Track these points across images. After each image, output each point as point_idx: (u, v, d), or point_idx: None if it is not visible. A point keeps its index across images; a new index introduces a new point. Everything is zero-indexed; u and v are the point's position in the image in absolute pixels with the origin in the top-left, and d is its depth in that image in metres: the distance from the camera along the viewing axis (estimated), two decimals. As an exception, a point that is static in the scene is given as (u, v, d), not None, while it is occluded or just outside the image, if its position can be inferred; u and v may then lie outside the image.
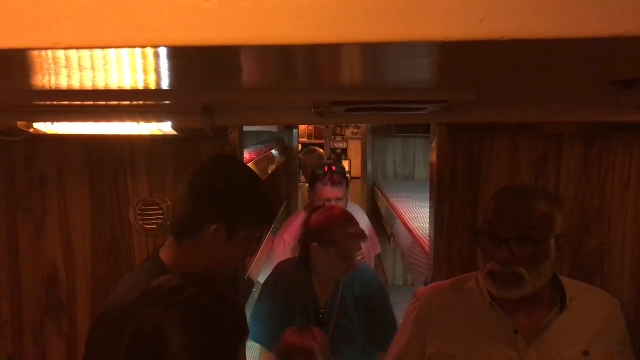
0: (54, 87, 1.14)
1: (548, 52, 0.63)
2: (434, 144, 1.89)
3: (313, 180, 2.74)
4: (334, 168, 2.75)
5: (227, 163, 1.40)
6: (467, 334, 1.43)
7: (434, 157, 1.89)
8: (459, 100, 1.32)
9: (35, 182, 1.91)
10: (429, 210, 2.00)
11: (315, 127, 7.44)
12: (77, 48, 0.49)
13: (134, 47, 0.49)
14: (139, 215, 1.88)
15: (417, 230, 2.36)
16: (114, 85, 1.10)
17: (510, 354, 1.37)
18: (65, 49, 0.48)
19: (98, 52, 0.55)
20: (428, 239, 2.05)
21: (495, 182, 1.89)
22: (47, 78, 0.95)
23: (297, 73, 0.79)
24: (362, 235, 2.13)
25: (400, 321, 1.66)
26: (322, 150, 3.82)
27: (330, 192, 2.65)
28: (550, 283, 1.40)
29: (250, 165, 2.52)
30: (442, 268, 1.90)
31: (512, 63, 0.81)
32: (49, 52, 0.52)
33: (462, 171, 1.89)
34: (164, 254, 1.37)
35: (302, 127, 7.15)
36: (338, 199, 2.66)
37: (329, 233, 2.09)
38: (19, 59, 0.58)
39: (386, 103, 1.32)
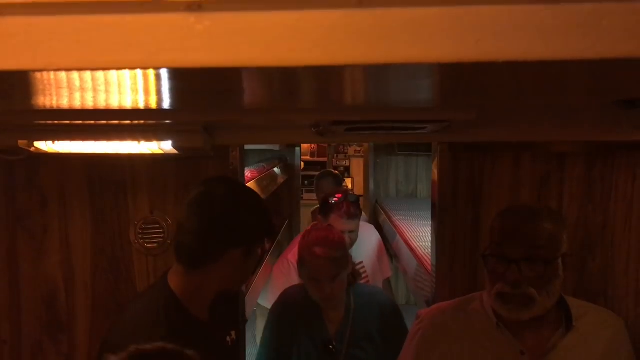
0: (55, 107, 1.15)
1: (545, 73, 0.63)
2: (435, 163, 1.89)
3: (327, 209, 2.65)
4: (348, 203, 2.65)
5: (229, 186, 1.41)
6: (473, 356, 1.41)
7: (435, 176, 1.88)
8: (459, 120, 1.31)
9: (35, 201, 1.90)
10: (430, 228, 1.99)
11: (317, 145, 7.46)
12: (68, 70, 0.49)
13: (125, 69, 0.49)
14: (140, 234, 1.87)
15: (419, 249, 2.35)
16: (114, 105, 1.10)
17: None
18: (56, 70, 0.49)
19: (95, 74, 0.55)
20: (430, 257, 2.04)
21: (496, 201, 1.88)
22: (47, 98, 0.95)
23: (295, 94, 0.79)
24: (332, 259, 1.97)
25: None
26: (337, 173, 3.72)
27: (345, 225, 2.57)
28: (555, 303, 1.38)
29: (251, 183, 2.53)
30: (445, 287, 1.88)
31: (510, 84, 0.81)
32: (44, 74, 0.52)
33: (464, 190, 1.88)
34: (173, 281, 1.36)
35: (305, 145, 7.17)
36: (351, 232, 2.59)
37: (300, 251, 2.04)
38: (12, 81, 0.58)
39: (386, 122, 1.32)
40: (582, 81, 0.80)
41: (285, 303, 2.14)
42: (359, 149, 7.25)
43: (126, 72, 0.55)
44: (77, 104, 1.05)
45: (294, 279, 2.50)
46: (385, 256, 3.09)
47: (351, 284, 2.10)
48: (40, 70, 0.50)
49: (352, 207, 2.61)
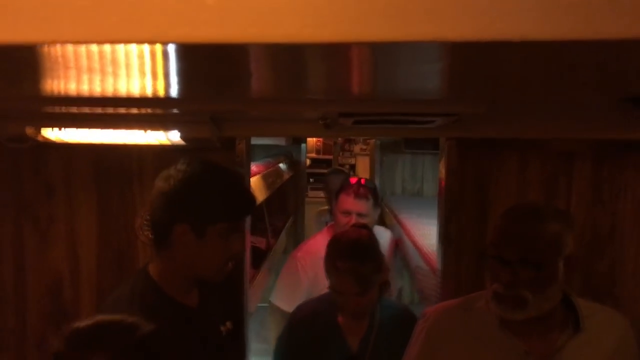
0: (62, 93, 1.15)
1: (557, 58, 0.62)
2: (442, 161, 1.88)
3: (338, 191, 2.51)
4: (363, 181, 2.54)
5: (187, 165, 1.36)
6: (477, 355, 1.40)
7: (442, 174, 1.87)
8: (469, 114, 1.30)
9: (42, 190, 1.91)
10: (436, 227, 1.98)
11: (323, 142, 7.46)
12: (76, 43, 0.48)
13: (133, 43, 0.49)
14: (145, 225, 1.87)
15: (424, 247, 2.33)
16: (122, 91, 1.10)
17: None
18: (64, 43, 0.48)
19: (103, 50, 0.55)
20: (436, 256, 2.02)
21: (504, 199, 1.86)
22: (55, 82, 0.95)
23: (304, 78, 0.78)
24: (360, 274, 1.73)
25: None
26: (347, 171, 3.65)
27: (352, 204, 2.41)
28: (562, 303, 1.37)
29: (257, 177, 2.52)
30: (450, 285, 1.87)
31: (522, 72, 0.80)
32: (52, 49, 0.52)
33: (471, 188, 1.87)
34: (151, 267, 1.38)
35: (311, 142, 7.16)
36: (360, 215, 2.39)
37: (325, 260, 1.81)
38: (21, 55, 0.57)
39: (394, 115, 1.31)
40: (593, 71, 0.79)
41: (302, 320, 1.94)
42: (364, 147, 7.24)
43: (134, 49, 0.54)
44: (85, 89, 1.05)
45: (301, 279, 2.45)
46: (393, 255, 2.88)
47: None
48: (48, 43, 0.49)
49: (364, 188, 2.44)
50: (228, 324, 1.51)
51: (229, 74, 0.76)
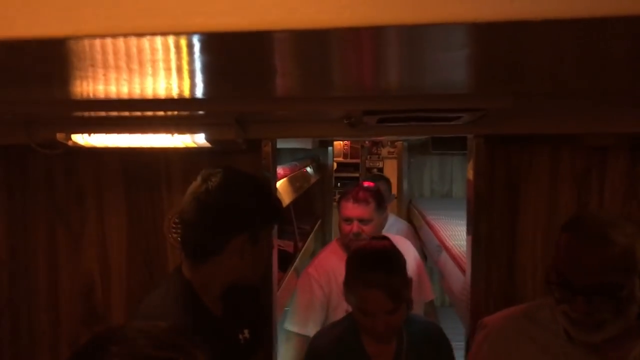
0: (91, 96, 1.17)
1: (582, 42, 0.61)
2: (470, 160, 1.85)
3: (339, 199, 2.42)
4: (364, 184, 2.52)
5: (224, 175, 1.36)
6: None
7: (470, 173, 1.85)
8: (496, 108, 1.28)
9: (73, 196, 1.95)
10: (466, 227, 1.94)
11: (351, 146, 7.45)
12: (97, 36, 0.49)
13: (153, 34, 0.49)
14: (173, 228, 1.89)
15: (454, 248, 2.30)
16: (148, 92, 1.12)
17: None
18: (85, 37, 0.49)
19: (128, 43, 0.56)
20: (465, 257, 1.99)
21: (534, 197, 1.82)
22: (83, 83, 0.97)
23: (328, 71, 0.78)
24: (390, 288, 1.55)
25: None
26: (388, 179, 3.44)
27: (351, 210, 2.31)
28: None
29: (283, 181, 2.53)
30: (480, 286, 1.84)
31: (547, 60, 0.78)
32: (74, 44, 0.53)
33: (500, 186, 1.84)
34: (189, 273, 1.38)
35: (338, 146, 7.17)
36: (362, 220, 2.30)
37: (348, 277, 1.64)
38: (47, 53, 0.58)
39: (419, 112, 1.29)
40: (622, 56, 0.77)
41: (324, 348, 1.74)
42: (392, 150, 7.20)
43: (157, 42, 0.55)
44: (112, 90, 1.06)
45: (317, 296, 2.32)
46: (425, 276, 2.72)
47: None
48: (70, 38, 0.50)
49: (364, 192, 2.35)
50: (246, 332, 1.50)
51: (252, 69, 0.76)
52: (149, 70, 0.76)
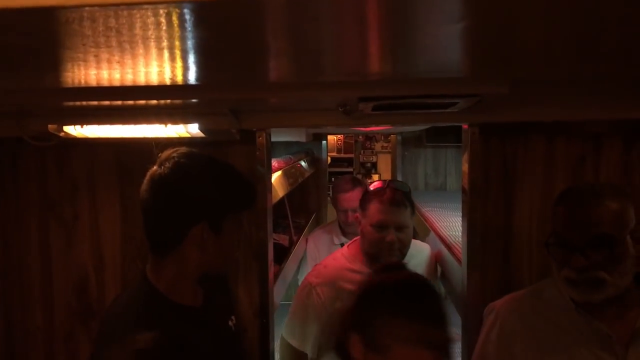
0: (83, 83, 1.16)
1: (578, 21, 0.60)
2: (465, 148, 1.85)
3: (366, 198, 2.03)
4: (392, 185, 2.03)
5: (180, 160, 1.24)
6: (560, 343, 1.36)
7: (466, 161, 1.84)
8: (492, 95, 1.27)
9: (66, 188, 1.93)
10: (461, 217, 1.94)
11: (344, 140, 7.44)
12: (86, 5, 0.48)
13: (143, 3, 0.48)
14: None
15: (448, 238, 2.30)
16: (141, 79, 1.10)
17: (608, 359, 1.30)
18: (74, 6, 0.48)
19: (121, 11, 0.54)
20: (460, 246, 1.99)
21: (529, 185, 1.83)
22: (75, 67, 0.95)
23: (321, 50, 0.77)
24: (431, 339, 1.09)
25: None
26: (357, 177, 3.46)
27: (389, 215, 1.95)
28: (634, 282, 1.32)
29: (278, 173, 2.52)
30: (475, 275, 1.84)
31: (543, 41, 0.77)
32: (63, 14, 0.52)
33: (495, 175, 1.84)
34: (150, 273, 1.26)
35: (331, 141, 7.16)
36: (400, 229, 1.96)
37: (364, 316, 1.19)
38: (37, 27, 0.57)
39: (415, 98, 1.28)
40: (618, 38, 0.76)
41: None
42: (386, 144, 7.21)
43: (148, 13, 0.54)
44: (104, 76, 1.05)
45: (318, 313, 1.96)
46: (433, 272, 2.50)
47: None
48: (59, 7, 0.49)
49: (398, 194, 1.98)
50: (233, 317, 1.47)
51: (244, 46, 0.75)
52: (141, 50, 0.75)
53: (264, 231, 1.85)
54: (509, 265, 1.85)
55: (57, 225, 1.94)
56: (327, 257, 2.22)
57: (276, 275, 2.28)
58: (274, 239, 2.53)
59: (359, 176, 7.19)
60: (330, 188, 3.40)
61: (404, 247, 1.97)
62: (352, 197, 2.91)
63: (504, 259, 1.85)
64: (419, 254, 2.26)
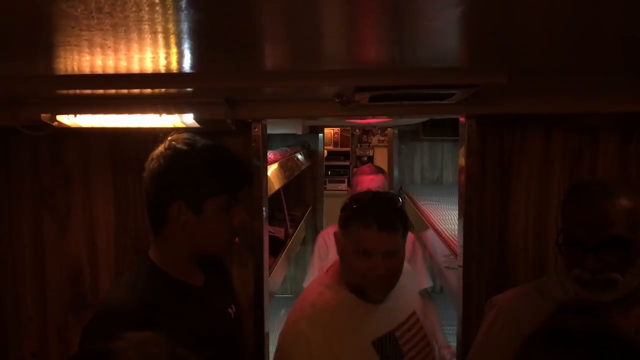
0: (76, 70, 1.14)
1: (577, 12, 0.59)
2: (462, 140, 1.84)
3: (346, 216, 1.62)
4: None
5: (173, 141, 1.32)
6: None
7: (462, 154, 1.83)
8: (490, 85, 1.26)
9: (59, 178, 1.91)
10: (457, 211, 1.93)
11: (341, 134, 7.42)
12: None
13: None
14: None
15: (445, 232, 2.30)
16: (135, 66, 1.09)
17: None
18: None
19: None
20: (457, 239, 1.98)
21: (526, 179, 1.82)
22: (68, 54, 0.94)
23: (317, 35, 0.75)
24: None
25: None
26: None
27: (373, 241, 1.55)
28: None
29: (274, 165, 2.50)
30: (472, 268, 1.83)
31: (541, 30, 0.76)
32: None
33: (492, 168, 1.83)
34: (151, 252, 1.35)
35: (328, 134, 7.14)
36: (389, 254, 1.56)
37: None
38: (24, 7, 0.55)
39: (412, 88, 1.27)
40: (618, 28, 0.75)
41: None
42: (382, 138, 7.19)
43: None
44: (98, 63, 1.03)
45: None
46: (421, 261, 2.69)
47: None
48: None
49: (387, 212, 1.60)
50: (233, 307, 1.50)
51: (240, 31, 0.73)
52: (134, 34, 0.73)
53: (260, 222, 1.83)
54: (506, 258, 1.84)
55: (50, 216, 1.93)
56: (309, 291, 1.78)
57: (271, 268, 2.27)
58: (270, 232, 2.52)
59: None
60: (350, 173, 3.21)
61: (394, 277, 1.61)
62: (374, 180, 2.78)
63: (500, 252, 1.85)
64: (409, 281, 1.84)
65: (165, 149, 1.30)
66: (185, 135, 1.33)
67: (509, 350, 1.40)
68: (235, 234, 1.36)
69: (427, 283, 2.65)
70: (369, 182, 2.78)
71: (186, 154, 1.29)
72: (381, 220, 1.55)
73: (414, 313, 1.75)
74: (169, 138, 1.32)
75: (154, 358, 0.75)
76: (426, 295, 2.61)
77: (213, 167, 1.30)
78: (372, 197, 1.68)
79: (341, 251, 1.64)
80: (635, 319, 1.31)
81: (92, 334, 1.18)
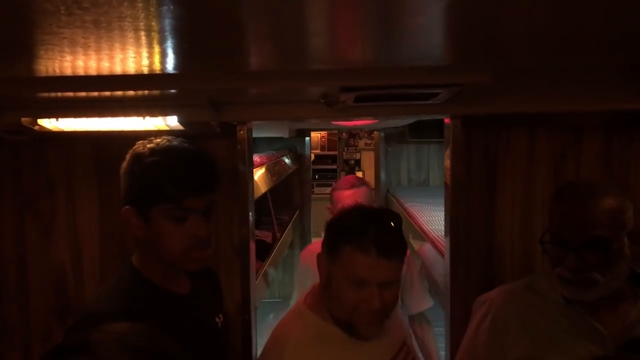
0: (57, 71, 1.12)
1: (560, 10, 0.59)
2: (448, 140, 1.84)
3: (335, 237, 1.36)
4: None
5: (140, 145, 1.28)
6: (551, 335, 1.35)
7: (448, 155, 1.84)
8: (474, 84, 1.27)
9: (42, 184, 1.88)
10: (444, 211, 1.93)
11: (328, 137, 7.43)
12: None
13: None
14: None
15: (431, 232, 2.30)
16: (117, 67, 1.07)
17: (599, 353, 1.29)
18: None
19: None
20: (444, 240, 1.99)
21: (512, 180, 1.83)
22: (49, 55, 0.92)
23: (302, 32, 0.75)
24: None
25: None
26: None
27: (369, 269, 1.29)
28: (629, 277, 1.31)
29: (261, 169, 2.49)
30: (459, 268, 1.83)
31: (526, 28, 0.76)
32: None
33: (478, 169, 1.84)
34: (134, 259, 1.33)
35: (315, 138, 7.14)
36: (386, 285, 1.31)
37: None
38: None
39: (397, 88, 1.27)
40: (601, 28, 0.76)
41: None
42: (369, 141, 7.21)
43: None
44: (80, 64, 1.02)
45: None
46: (417, 279, 2.40)
47: None
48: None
49: (388, 234, 1.34)
50: (221, 316, 1.46)
51: (224, 29, 0.73)
52: (116, 31, 0.72)
53: (246, 226, 1.82)
54: (493, 259, 1.85)
55: (33, 223, 1.89)
56: (284, 323, 1.50)
57: (259, 272, 2.26)
58: (257, 236, 2.50)
59: (343, 174, 7.20)
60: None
61: (389, 312, 1.36)
62: (356, 194, 2.39)
63: (488, 252, 1.85)
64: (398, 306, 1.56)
65: (129, 153, 1.29)
66: (159, 138, 1.27)
67: (498, 347, 1.41)
68: (198, 245, 1.23)
69: (426, 304, 2.38)
70: (350, 197, 2.36)
71: (139, 159, 1.24)
72: (381, 244, 1.28)
73: (404, 344, 1.51)
74: (146, 141, 1.29)
75: (133, 348, 0.74)
76: (423, 319, 2.44)
77: (161, 174, 1.20)
78: (367, 214, 1.37)
79: (326, 278, 1.37)
80: (622, 316, 1.32)
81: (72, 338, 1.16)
